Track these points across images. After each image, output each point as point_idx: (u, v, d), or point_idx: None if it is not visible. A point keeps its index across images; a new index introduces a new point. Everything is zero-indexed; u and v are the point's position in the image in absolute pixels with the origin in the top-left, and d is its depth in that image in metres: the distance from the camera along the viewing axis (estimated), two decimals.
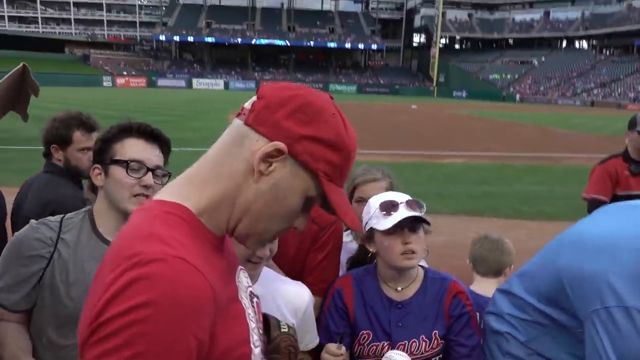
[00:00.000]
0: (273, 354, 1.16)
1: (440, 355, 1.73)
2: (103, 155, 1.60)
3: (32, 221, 1.61)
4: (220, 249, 0.91)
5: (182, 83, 61.47)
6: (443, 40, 76.20)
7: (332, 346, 1.58)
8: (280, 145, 0.84)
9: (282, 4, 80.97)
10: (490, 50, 78.42)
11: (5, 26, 72.81)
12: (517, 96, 60.10)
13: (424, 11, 76.27)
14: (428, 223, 1.70)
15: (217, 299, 0.79)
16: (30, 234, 1.55)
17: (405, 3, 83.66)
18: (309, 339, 1.68)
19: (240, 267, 1.01)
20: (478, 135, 20.66)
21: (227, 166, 0.88)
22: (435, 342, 1.70)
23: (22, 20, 75.55)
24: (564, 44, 76.41)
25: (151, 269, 0.73)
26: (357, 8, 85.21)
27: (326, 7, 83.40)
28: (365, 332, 1.71)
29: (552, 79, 66.52)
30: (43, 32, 72.98)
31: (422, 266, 1.80)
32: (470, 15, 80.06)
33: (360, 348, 1.72)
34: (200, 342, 0.76)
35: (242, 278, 0.99)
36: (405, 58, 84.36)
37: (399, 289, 1.71)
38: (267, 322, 1.19)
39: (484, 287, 2.33)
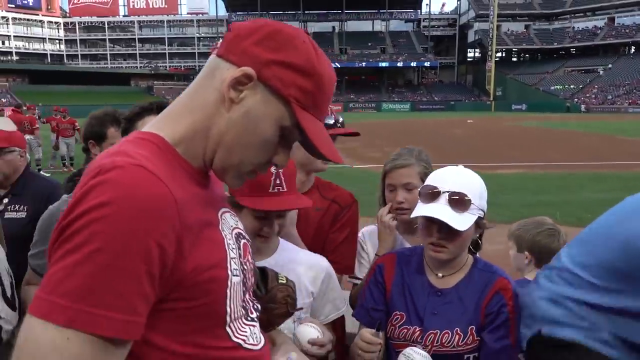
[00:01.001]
0: (270, 304, 1.16)
1: (476, 354, 1.52)
2: (127, 133, 1.73)
3: (65, 195, 1.83)
4: (200, 182, 0.92)
5: None
6: (499, 54, 74.05)
7: (367, 332, 1.47)
8: (249, 70, 0.83)
9: (334, 28, 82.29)
10: (551, 61, 75.23)
11: (78, 64, 78.92)
12: (582, 107, 56.94)
13: (477, 25, 74.82)
14: (482, 229, 1.56)
15: (182, 212, 0.80)
16: (62, 205, 1.75)
17: (458, 19, 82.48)
18: (330, 310, 1.68)
19: (226, 209, 1.01)
20: (537, 145, 19.61)
21: (200, 98, 0.88)
22: (471, 337, 1.51)
23: (93, 57, 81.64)
24: (632, 50, 71.97)
25: (110, 175, 0.75)
26: (409, 27, 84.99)
27: (377, 28, 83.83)
28: (398, 313, 1.61)
29: (620, 86, 62.57)
30: (111, 67, 78.46)
31: (474, 255, 1.62)
32: (527, 27, 77.53)
33: (392, 329, 1.61)
34: (163, 249, 0.76)
35: (228, 218, 1.00)
36: (460, 74, 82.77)
37: (440, 275, 1.59)
38: (266, 274, 1.21)
39: None
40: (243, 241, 1.02)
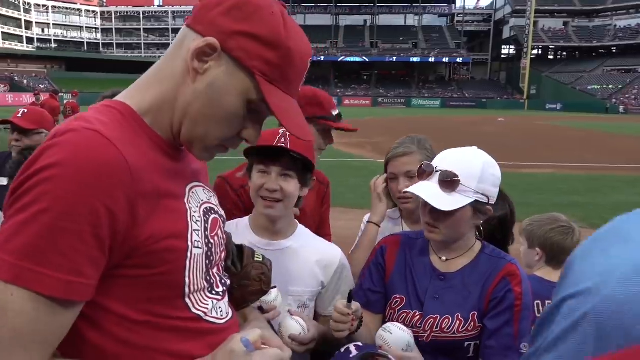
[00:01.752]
0: (243, 281, 1.18)
1: (477, 342, 1.45)
2: None
3: None
4: (168, 152, 0.91)
5: None
6: (535, 51, 72.10)
7: (340, 303, 1.42)
8: (212, 40, 0.82)
9: (366, 21, 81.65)
10: (589, 60, 72.76)
11: (114, 52, 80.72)
12: (621, 108, 54.95)
13: (513, 21, 72.87)
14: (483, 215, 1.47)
15: (137, 179, 0.79)
16: None
17: (494, 14, 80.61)
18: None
19: (199, 183, 1.01)
20: (571, 145, 19.04)
21: (168, 68, 0.88)
22: (472, 324, 1.45)
23: (128, 46, 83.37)
24: None
25: (63, 137, 0.76)
26: (442, 22, 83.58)
27: (409, 22, 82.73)
28: (398, 296, 1.56)
29: None
30: (145, 56, 79.77)
31: (482, 240, 1.56)
32: (565, 24, 75.16)
33: (391, 312, 1.57)
34: (112, 213, 0.76)
35: (200, 192, 0.99)
36: (493, 71, 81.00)
37: (443, 258, 1.53)
38: (242, 251, 1.23)
39: (554, 275, 2.07)
40: (213, 216, 1.00)
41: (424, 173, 1.45)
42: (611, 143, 20.17)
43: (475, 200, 1.41)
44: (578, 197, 9.02)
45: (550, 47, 76.32)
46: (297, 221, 1.70)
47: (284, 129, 1.48)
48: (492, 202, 1.45)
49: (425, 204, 1.43)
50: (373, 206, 1.95)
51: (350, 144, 16.59)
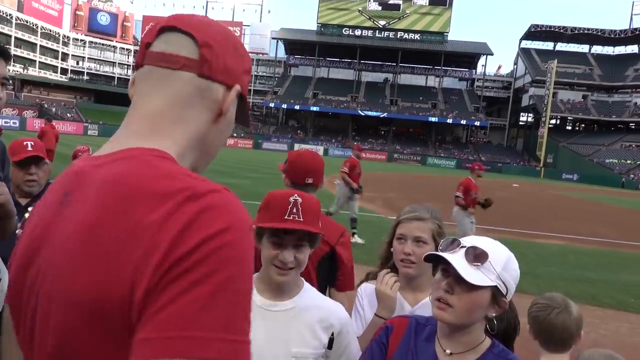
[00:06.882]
0: None
1: None
2: None
3: None
4: None
5: (285, 147, 64.83)
6: (553, 121, 72.71)
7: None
8: (239, 87, 0.92)
9: (387, 79, 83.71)
10: (608, 134, 72.96)
11: None
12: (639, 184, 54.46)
13: (533, 91, 74.01)
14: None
15: None
16: None
17: (513, 82, 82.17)
18: None
19: None
20: (584, 218, 18.79)
21: (192, 117, 0.88)
22: None
23: None
24: None
25: (213, 199, 0.73)
26: (462, 85, 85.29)
27: (430, 83, 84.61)
28: None
29: None
30: None
31: (492, 338, 1.47)
32: (584, 97, 76.09)
33: None
34: None
35: None
36: (511, 137, 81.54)
37: (448, 351, 1.43)
38: None
39: None
40: None
41: (449, 246, 1.40)
42: (625, 218, 19.88)
43: (496, 287, 1.36)
44: (588, 273, 8.82)
45: (569, 118, 76.96)
46: (303, 279, 1.69)
47: (293, 198, 1.54)
48: (509, 297, 1.41)
49: (443, 278, 1.39)
50: (382, 299, 1.84)
51: (361, 197, 16.57)
